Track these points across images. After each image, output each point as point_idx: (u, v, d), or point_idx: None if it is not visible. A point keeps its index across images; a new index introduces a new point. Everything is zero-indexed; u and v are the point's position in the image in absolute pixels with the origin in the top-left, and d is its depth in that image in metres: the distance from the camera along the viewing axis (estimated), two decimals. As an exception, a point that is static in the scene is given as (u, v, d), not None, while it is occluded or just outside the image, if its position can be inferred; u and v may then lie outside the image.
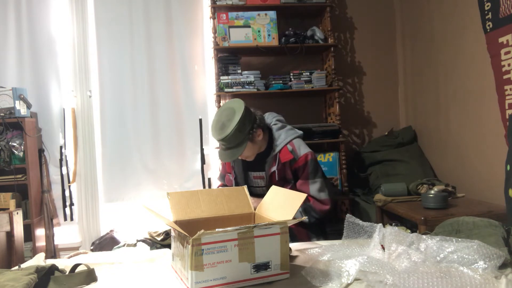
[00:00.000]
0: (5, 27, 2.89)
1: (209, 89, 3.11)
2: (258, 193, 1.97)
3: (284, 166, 1.87)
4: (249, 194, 1.49)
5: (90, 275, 1.19)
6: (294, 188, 1.89)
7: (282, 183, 1.87)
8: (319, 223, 1.93)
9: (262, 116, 1.90)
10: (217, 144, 2.85)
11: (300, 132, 1.97)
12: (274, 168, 1.86)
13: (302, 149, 1.88)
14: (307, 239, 1.88)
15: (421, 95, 3.05)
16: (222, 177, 2.16)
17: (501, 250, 1.09)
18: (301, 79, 2.90)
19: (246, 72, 2.89)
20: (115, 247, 2.33)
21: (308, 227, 1.91)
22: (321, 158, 2.85)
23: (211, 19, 2.85)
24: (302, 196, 1.22)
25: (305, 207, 1.85)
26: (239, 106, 1.77)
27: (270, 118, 2.01)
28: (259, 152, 1.92)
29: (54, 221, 2.93)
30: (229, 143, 1.75)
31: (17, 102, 2.66)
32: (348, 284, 1.06)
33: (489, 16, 2.15)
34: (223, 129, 1.73)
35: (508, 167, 1.86)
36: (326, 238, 1.96)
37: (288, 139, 1.89)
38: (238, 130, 1.71)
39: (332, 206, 1.89)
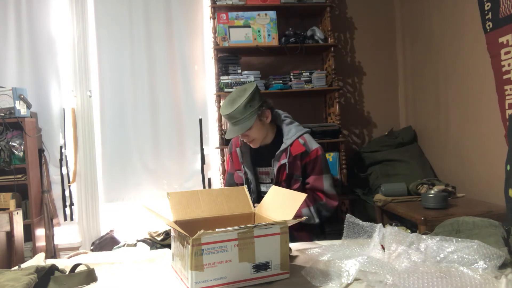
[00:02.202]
0: (5, 27, 2.89)
1: (209, 89, 3.11)
2: (262, 190, 1.97)
3: (294, 160, 1.86)
4: (249, 194, 1.49)
5: (90, 275, 1.19)
6: (303, 186, 1.90)
7: (289, 181, 1.87)
8: (321, 224, 1.94)
9: (270, 103, 1.93)
10: (217, 143, 2.85)
11: (309, 129, 2.01)
12: (285, 161, 1.85)
13: (313, 143, 1.91)
14: (308, 240, 1.89)
15: (421, 95, 3.05)
16: (231, 176, 2.11)
17: (501, 250, 1.09)
18: (301, 79, 2.90)
19: (246, 72, 2.89)
20: (115, 247, 2.33)
21: (310, 229, 1.91)
22: (321, 158, 2.85)
23: (211, 19, 2.85)
24: (302, 196, 1.22)
25: (318, 207, 1.85)
26: (251, 85, 1.84)
27: (279, 113, 2.03)
28: (265, 144, 1.93)
29: (54, 221, 2.93)
30: (238, 116, 1.78)
31: (17, 102, 2.66)
32: (348, 284, 1.06)
33: (489, 16, 2.15)
34: (233, 103, 1.78)
35: (508, 167, 1.86)
36: (325, 238, 1.96)
37: (299, 133, 1.91)
38: (248, 104, 1.77)
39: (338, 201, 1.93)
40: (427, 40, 2.89)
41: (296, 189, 1.81)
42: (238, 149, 2.00)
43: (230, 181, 2.11)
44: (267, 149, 1.93)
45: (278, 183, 1.88)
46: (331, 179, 1.91)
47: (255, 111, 1.79)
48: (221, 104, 1.87)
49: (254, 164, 1.98)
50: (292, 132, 1.91)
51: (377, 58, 3.31)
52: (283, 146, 1.88)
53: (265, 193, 1.91)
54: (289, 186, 1.85)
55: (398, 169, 2.85)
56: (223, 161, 2.80)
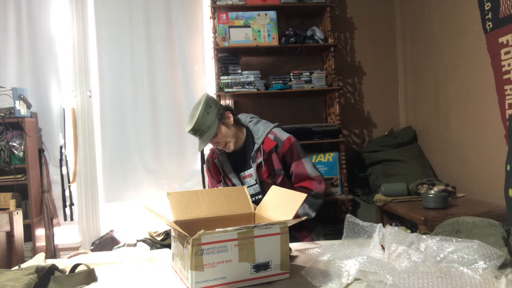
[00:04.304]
0: (5, 27, 2.89)
1: (209, 89, 3.11)
2: (251, 194, 1.98)
3: (269, 156, 1.90)
4: (248, 194, 1.49)
5: (90, 275, 1.19)
6: (286, 179, 1.92)
7: (272, 177, 1.90)
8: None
9: (228, 105, 1.99)
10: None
11: (277, 123, 2.05)
12: (260, 159, 1.89)
13: (283, 134, 1.95)
14: (308, 234, 1.91)
15: (421, 95, 3.05)
16: None
17: (501, 250, 1.09)
18: (301, 79, 2.90)
19: (246, 72, 2.89)
20: (115, 247, 2.34)
21: (307, 225, 1.91)
22: (321, 158, 2.85)
23: (211, 19, 2.85)
24: (302, 196, 1.22)
25: (310, 201, 1.86)
26: (203, 96, 1.89)
27: (244, 117, 2.07)
28: (239, 149, 1.96)
29: (54, 221, 2.93)
30: (201, 127, 1.83)
31: (17, 102, 2.66)
32: (348, 284, 1.06)
33: (489, 16, 2.15)
34: (192, 118, 1.84)
35: (508, 167, 1.85)
36: (325, 237, 1.97)
37: (267, 129, 1.96)
38: (206, 112, 1.83)
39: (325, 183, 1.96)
40: (427, 40, 2.89)
41: (281, 183, 1.84)
42: (216, 161, 2.03)
43: None
44: (243, 152, 1.97)
45: (262, 182, 1.91)
46: (311, 161, 1.94)
47: (215, 116, 1.85)
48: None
49: (236, 171, 2.01)
50: (261, 131, 1.95)
51: (377, 58, 3.31)
52: (256, 146, 1.92)
53: (254, 196, 1.94)
54: (274, 182, 1.87)
55: (398, 169, 2.85)
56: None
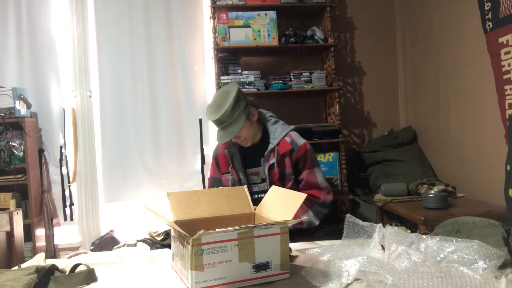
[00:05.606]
0: (5, 27, 2.89)
1: (209, 89, 3.11)
2: (253, 191, 1.97)
3: (283, 158, 1.88)
4: (248, 194, 1.49)
5: (90, 275, 1.19)
6: (296, 184, 1.90)
7: (282, 180, 1.88)
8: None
9: (253, 100, 1.96)
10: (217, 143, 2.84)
11: (293, 126, 2.03)
12: (273, 160, 1.87)
13: (300, 139, 1.93)
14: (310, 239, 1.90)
15: (421, 95, 3.05)
16: (217, 181, 2.05)
17: (501, 250, 1.09)
18: (301, 79, 2.90)
19: (246, 72, 2.89)
20: (115, 247, 2.34)
21: (311, 233, 1.91)
22: (321, 158, 2.85)
23: (211, 19, 2.85)
24: (302, 196, 1.22)
25: (316, 209, 1.85)
26: (233, 87, 1.84)
27: (263, 114, 2.05)
28: (253, 144, 1.94)
29: (54, 221, 2.93)
30: (227, 120, 1.79)
31: (17, 102, 2.66)
32: (348, 284, 1.06)
33: (489, 16, 2.15)
34: (219, 108, 1.79)
35: (508, 167, 1.86)
36: (325, 238, 1.96)
37: (285, 131, 1.94)
38: (235, 106, 1.78)
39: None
40: (427, 40, 2.89)
41: (290, 188, 1.82)
42: (226, 151, 1.99)
43: (217, 186, 2.04)
44: (255, 149, 1.94)
45: (271, 183, 1.88)
46: (322, 171, 1.94)
47: (242, 111, 1.81)
48: (206, 109, 1.88)
49: (244, 165, 1.98)
50: (278, 132, 1.93)
51: (377, 58, 3.31)
52: (270, 146, 1.90)
53: (257, 193, 1.93)
54: (282, 186, 1.85)
55: (398, 169, 2.85)
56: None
